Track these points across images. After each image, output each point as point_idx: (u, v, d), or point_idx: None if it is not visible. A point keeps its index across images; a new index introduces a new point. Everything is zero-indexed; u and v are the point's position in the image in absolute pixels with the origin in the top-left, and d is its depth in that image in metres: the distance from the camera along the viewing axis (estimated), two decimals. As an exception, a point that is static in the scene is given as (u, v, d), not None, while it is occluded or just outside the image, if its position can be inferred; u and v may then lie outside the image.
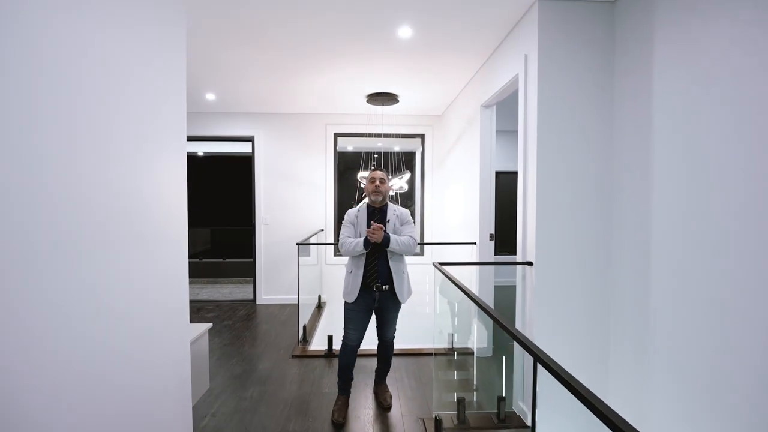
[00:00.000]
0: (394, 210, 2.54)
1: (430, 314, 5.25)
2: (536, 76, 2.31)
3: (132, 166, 1.32)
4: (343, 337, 2.52)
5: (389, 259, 2.44)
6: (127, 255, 1.29)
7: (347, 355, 2.50)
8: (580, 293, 2.34)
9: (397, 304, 2.50)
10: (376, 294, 2.45)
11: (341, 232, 2.54)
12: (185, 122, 1.70)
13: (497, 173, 3.88)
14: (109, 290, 1.19)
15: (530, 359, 2.37)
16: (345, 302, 2.51)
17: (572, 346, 2.35)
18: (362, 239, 2.40)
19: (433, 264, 2.43)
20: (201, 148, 7.54)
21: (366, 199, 2.59)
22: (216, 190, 8.17)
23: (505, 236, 4.83)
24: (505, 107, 3.86)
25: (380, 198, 2.48)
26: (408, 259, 2.59)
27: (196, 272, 7.04)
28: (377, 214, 2.52)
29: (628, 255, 2.20)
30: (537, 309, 2.34)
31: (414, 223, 2.56)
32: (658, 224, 1.99)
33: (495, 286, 3.63)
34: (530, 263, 2.37)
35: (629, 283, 2.19)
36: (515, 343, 2.71)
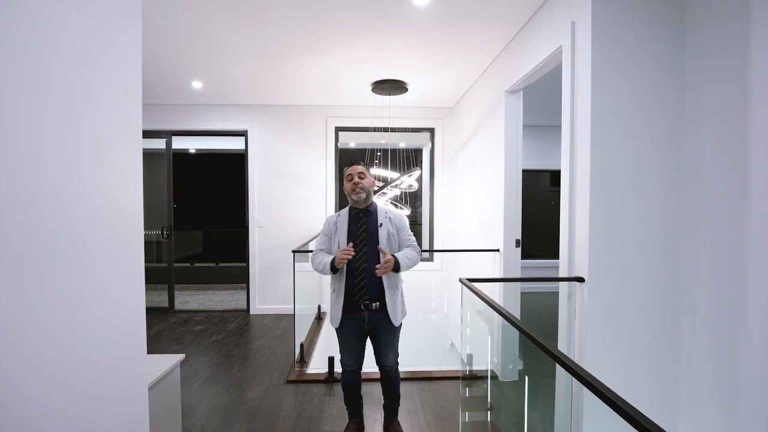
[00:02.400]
0: (386, 213, 2.09)
1: (438, 326, 4.81)
2: (589, 46, 1.86)
3: (62, 159, 0.88)
4: (341, 361, 2.13)
5: None
6: (48, 278, 0.84)
7: (348, 381, 2.14)
8: (645, 317, 1.89)
9: (392, 325, 2.04)
10: (365, 313, 2.00)
11: (316, 243, 2.12)
12: (140, 101, 1.25)
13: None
14: (19, 325, 0.73)
15: (579, 392, 1.95)
16: None
17: (633, 380, 1.90)
18: (329, 260, 1.96)
19: (461, 280, 1.97)
20: (192, 145, 7.09)
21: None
22: (209, 189, 7.72)
23: (525, 240, 4.37)
24: (524, 98, 3.42)
25: (363, 196, 2.03)
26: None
27: (187, 278, 6.59)
28: (363, 217, 2.06)
29: (711, 271, 1.74)
30: (589, 334, 1.89)
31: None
32: (756, 232, 1.54)
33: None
34: (581, 279, 1.92)
35: (712, 306, 1.74)
36: (556, 371, 2.28)
